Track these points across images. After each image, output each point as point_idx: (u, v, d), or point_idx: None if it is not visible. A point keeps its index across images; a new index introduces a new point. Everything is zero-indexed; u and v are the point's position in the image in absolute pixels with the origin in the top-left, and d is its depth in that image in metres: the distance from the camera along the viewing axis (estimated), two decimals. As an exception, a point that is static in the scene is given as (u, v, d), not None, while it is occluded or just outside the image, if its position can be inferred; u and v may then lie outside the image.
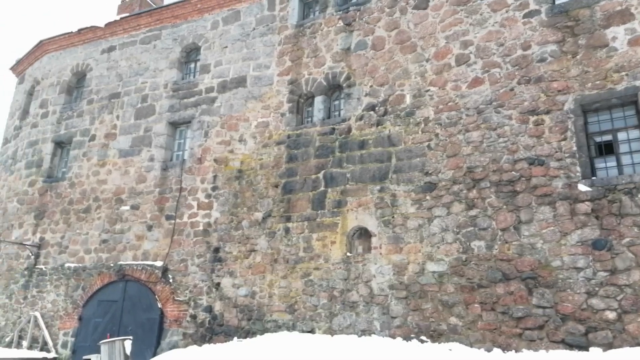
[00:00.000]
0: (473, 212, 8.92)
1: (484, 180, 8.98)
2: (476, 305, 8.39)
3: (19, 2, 58.20)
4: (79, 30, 15.77)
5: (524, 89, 9.09)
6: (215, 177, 12.25)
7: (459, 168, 9.30)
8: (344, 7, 11.97)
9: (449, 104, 9.82)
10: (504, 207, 8.66)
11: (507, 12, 9.68)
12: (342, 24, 11.80)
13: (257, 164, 11.80)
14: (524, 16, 9.46)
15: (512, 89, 9.21)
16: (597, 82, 8.43)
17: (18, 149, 16.01)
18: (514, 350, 7.79)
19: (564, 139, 8.45)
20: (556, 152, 8.46)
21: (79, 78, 15.90)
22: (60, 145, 15.25)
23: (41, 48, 16.77)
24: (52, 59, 16.51)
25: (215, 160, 12.39)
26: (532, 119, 8.84)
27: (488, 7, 9.92)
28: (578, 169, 8.21)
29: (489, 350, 7.85)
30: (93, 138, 14.44)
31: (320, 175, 10.85)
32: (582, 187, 8.06)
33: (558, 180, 8.31)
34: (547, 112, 8.73)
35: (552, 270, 7.95)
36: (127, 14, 15.49)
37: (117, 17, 15.37)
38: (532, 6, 9.43)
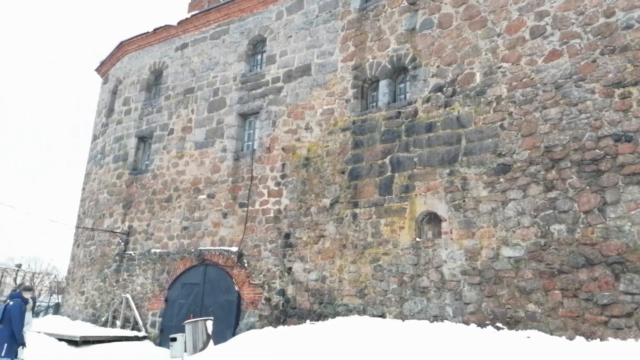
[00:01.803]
0: (552, 194, 8.43)
1: (564, 160, 8.44)
2: (557, 291, 7.98)
3: (95, 5, 62.40)
4: (154, 30, 16.70)
5: (607, 59, 8.37)
6: (283, 165, 12.57)
7: (536, 148, 8.80)
8: (408, -14, 11.64)
9: (524, 80, 9.29)
10: (587, 187, 8.10)
11: (587, -24, 8.92)
12: (406, 3, 11.52)
13: (323, 151, 11.94)
14: (608, -20, 8.68)
15: (594, 61, 8.52)
16: (696, 46, 7.57)
17: (106, 145, 17.44)
18: (598, 339, 7.34)
19: (656, 112, 7.71)
20: (646, 126, 7.74)
21: (157, 75, 16.91)
22: (143, 139, 16.39)
23: (122, 49, 18.00)
24: (132, 58, 17.69)
25: (283, 149, 12.70)
26: (618, 92, 8.14)
27: (565, -26, 9.19)
28: (672, 144, 7.47)
29: (571, 339, 7.45)
30: (171, 132, 15.34)
31: (387, 160, 10.76)
32: (678, 164, 7.33)
33: (649, 157, 7.62)
34: (635, 84, 7.99)
35: (643, 255, 7.34)
36: (197, 11, 16.17)
37: (188, 15, 16.09)
38: (617, -32, 8.61)
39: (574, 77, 8.68)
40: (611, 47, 8.38)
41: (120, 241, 15.32)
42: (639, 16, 8.21)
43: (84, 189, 18.67)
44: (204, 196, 13.80)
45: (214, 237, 13.27)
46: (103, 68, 19.57)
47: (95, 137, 18.98)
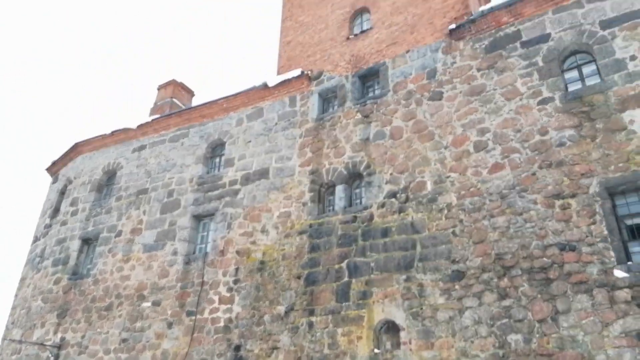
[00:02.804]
0: (506, 302, 8.45)
1: (515, 268, 8.62)
2: (520, 408, 7.62)
3: (53, 104, 62.93)
4: (112, 132, 16.73)
5: (546, 173, 9.03)
6: (237, 269, 12.12)
7: (487, 255, 9.00)
8: (362, 100, 12.52)
9: (471, 189, 9.77)
10: (539, 296, 8.20)
11: (520, 100, 9.94)
12: (360, 116, 12.26)
13: (279, 255, 11.69)
14: (539, 103, 9.68)
15: (534, 174, 9.15)
16: (620, 164, 8.34)
17: (46, 247, 16.33)
18: None
19: (593, 223, 8.19)
20: (587, 236, 8.16)
21: (110, 176, 16.55)
22: (88, 242, 15.50)
23: (76, 150, 17.74)
24: (85, 159, 17.41)
25: (237, 252, 12.35)
26: (558, 202, 8.67)
27: (502, 96, 10.22)
28: (612, 253, 7.84)
29: None
30: (119, 234, 14.69)
31: (344, 264, 10.62)
32: (619, 274, 7.63)
33: (592, 266, 7.92)
34: (573, 196, 8.57)
35: (600, 366, 7.28)
36: (159, 115, 16.51)
37: (149, 119, 16.36)
38: (546, 94, 9.68)
39: (517, 188, 9.22)
40: (548, 162, 9.09)
41: (50, 355, 13.71)
42: (570, 135, 9.07)
43: (16, 295, 17.00)
44: (149, 304, 12.88)
45: (156, 351, 12.13)
46: (54, 168, 19.06)
47: (35, 239, 17.81)
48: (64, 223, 16.25)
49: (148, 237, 14.08)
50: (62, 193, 17.58)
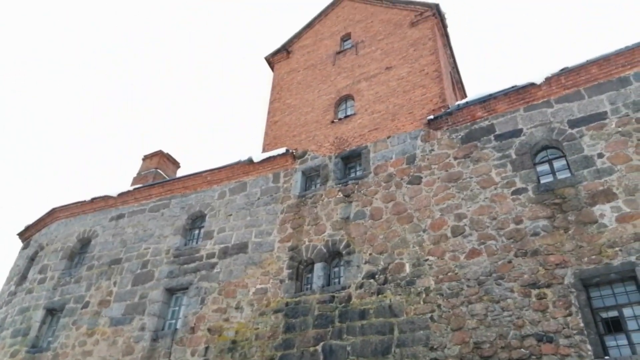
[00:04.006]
0: (485, 396, 8.17)
1: (493, 358, 8.45)
2: None
3: (31, 164, 62.36)
4: (92, 199, 16.53)
5: (521, 261, 9.18)
6: (207, 348, 11.57)
7: (466, 343, 8.83)
8: (343, 180, 12.83)
9: (449, 274, 9.80)
10: (518, 389, 7.97)
11: (495, 189, 10.34)
12: (341, 195, 12.50)
13: (252, 334, 11.26)
14: (512, 193, 10.07)
15: (510, 261, 9.29)
16: (593, 256, 8.56)
17: (7, 316, 15.41)
18: None
19: (570, 315, 8.22)
20: (564, 328, 8.14)
21: (84, 244, 16.12)
22: (52, 312, 14.73)
23: (52, 215, 17.36)
24: (60, 225, 17.01)
25: (209, 329, 11.86)
26: (534, 292, 8.73)
27: (477, 184, 10.62)
28: (589, 347, 7.80)
29: None
30: (86, 305, 14.03)
31: (319, 347, 10.25)
32: (598, 368, 7.54)
33: (570, 359, 7.82)
34: (548, 286, 8.66)
35: None
36: (141, 185, 16.49)
37: (131, 188, 16.31)
38: (519, 184, 10.11)
39: (493, 275, 9.30)
40: (523, 251, 9.27)
41: None
42: (544, 225, 9.36)
43: (-34, 367, 15.75)
44: (110, 383, 12.03)
45: None
46: (27, 233, 18.47)
47: (-3, 307, 16.82)
48: (29, 291, 15.49)
49: (116, 309, 13.47)
50: (32, 259, 16.92)
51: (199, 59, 68.77)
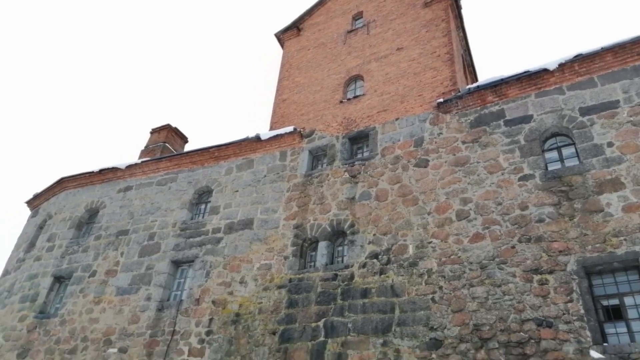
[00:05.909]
0: (482, 376, 8.34)
1: (492, 340, 8.59)
2: None
3: (42, 136, 62.69)
4: (100, 170, 16.66)
5: (525, 247, 9.24)
6: (211, 320, 11.82)
7: (465, 325, 8.98)
8: (350, 161, 12.85)
9: (452, 257, 9.90)
10: (515, 371, 8.13)
11: (502, 174, 10.33)
12: (347, 175, 12.54)
13: (255, 308, 11.47)
14: (519, 179, 10.07)
15: (513, 247, 9.36)
16: (597, 245, 8.60)
17: (16, 282, 15.74)
18: None
19: (570, 301, 8.31)
20: (564, 314, 8.25)
21: (92, 214, 16.33)
22: (60, 280, 15.03)
23: (61, 185, 17.54)
24: (69, 195, 17.21)
25: (213, 302, 12.09)
26: (536, 277, 8.81)
27: (484, 169, 10.62)
28: (588, 333, 7.91)
29: None
30: (94, 274, 14.31)
31: (321, 323, 10.45)
32: (595, 354, 7.66)
33: (569, 344, 7.95)
34: (551, 272, 8.74)
35: None
36: (149, 158, 16.57)
37: (138, 161, 16.41)
38: (526, 171, 10.10)
39: (496, 259, 9.38)
40: (527, 236, 9.32)
41: (2, 399, 12.89)
42: (549, 212, 9.38)
43: (-24, 329, 16.18)
44: (115, 350, 12.35)
45: (118, 401, 11.52)
46: (35, 201, 18.72)
47: (6, 273, 17.11)
48: (38, 258, 15.79)
49: (123, 279, 13.73)
50: (41, 228, 17.19)
51: (210, 34, 68.19)
